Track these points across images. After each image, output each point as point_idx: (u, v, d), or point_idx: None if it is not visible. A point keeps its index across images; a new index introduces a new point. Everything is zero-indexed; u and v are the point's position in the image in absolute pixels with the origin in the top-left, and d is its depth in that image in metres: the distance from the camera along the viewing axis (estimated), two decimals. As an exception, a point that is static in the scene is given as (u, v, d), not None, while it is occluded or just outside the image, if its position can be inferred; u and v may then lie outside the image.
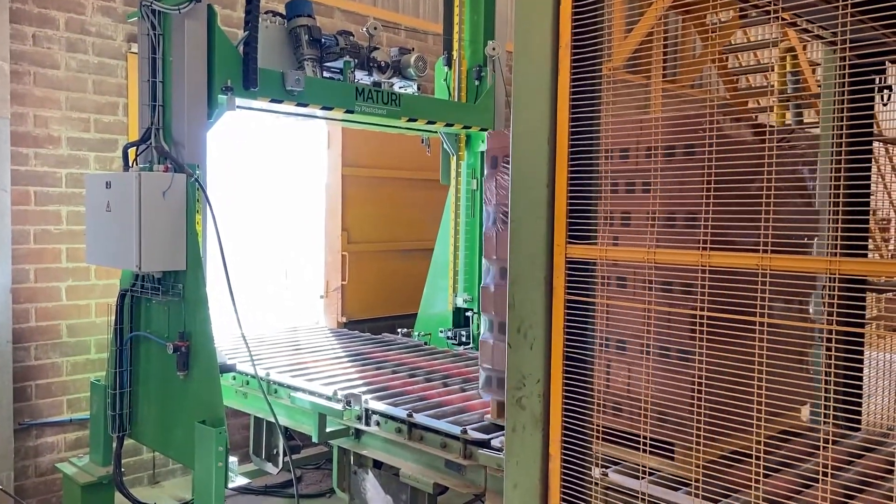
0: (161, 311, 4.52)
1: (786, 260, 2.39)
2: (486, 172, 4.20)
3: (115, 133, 5.82)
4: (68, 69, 5.58)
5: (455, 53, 6.22)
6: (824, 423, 2.87)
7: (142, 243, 4.17)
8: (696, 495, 2.60)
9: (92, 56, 5.69)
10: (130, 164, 4.55)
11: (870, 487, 2.87)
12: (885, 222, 7.49)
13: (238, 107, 4.63)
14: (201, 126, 4.50)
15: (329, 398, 4.46)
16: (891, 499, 2.56)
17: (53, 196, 5.53)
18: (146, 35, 4.44)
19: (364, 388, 4.70)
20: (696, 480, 2.58)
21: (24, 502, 5.28)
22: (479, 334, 4.44)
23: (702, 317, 2.56)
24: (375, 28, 5.62)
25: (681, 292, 2.69)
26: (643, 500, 2.68)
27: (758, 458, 2.51)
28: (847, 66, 2.57)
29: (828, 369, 2.41)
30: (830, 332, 2.35)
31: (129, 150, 4.57)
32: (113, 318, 4.71)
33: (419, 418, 4.02)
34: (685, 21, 3.32)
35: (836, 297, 2.31)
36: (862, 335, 3.76)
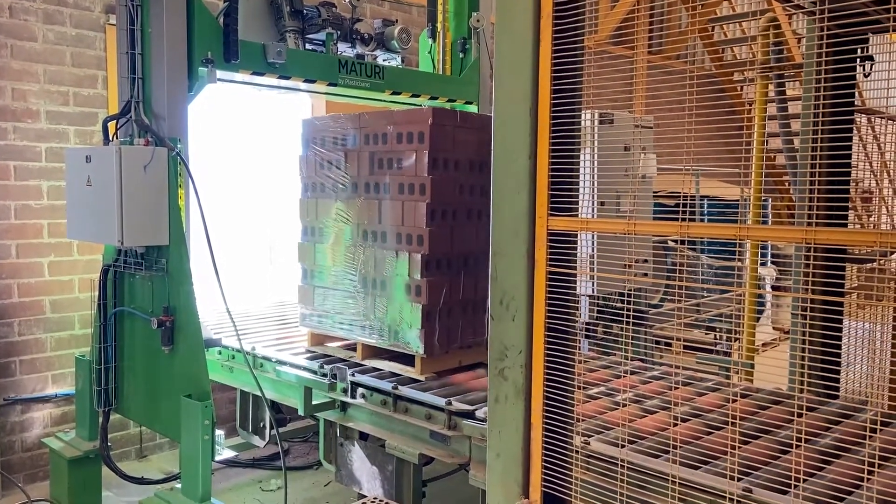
0: (145, 286, 4.51)
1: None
2: (301, 152, 4.91)
3: (95, 106, 5.75)
4: (46, 41, 5.49)
5: (439, 25, 6.16)
6: (801, 390, 2.93)
7: (123, 218, 4.13)
8: (675, 462, 2.64)
9: (70, 28, 5.60)
10: (111, 138, 4.50)
11: (845, 453, 2.93)
12: (867, 193, 7.55)
13: (219, 79, 4.56)
14: (182, 99, 4.44)
15: (315, 372, 4.48)
16: (866, 464, 2.61)
17: (34, 171, 5.47)
18: (124, 6, 4.36)
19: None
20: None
21: (10, 477, 5.29)
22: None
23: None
24: (358, -1, 5.55)
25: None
26: (623, 467, 2.72)
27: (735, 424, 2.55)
28: (828, 37, 2.57)
29: (805, 338, 2.45)
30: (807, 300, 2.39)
31: (109, 124, 4.51)
32: (96, 293, 4.69)
33: (404, 391, 4.05)
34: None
35: (812, 266, 2.33)
36: (841, 304, 3.82)
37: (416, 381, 4.25)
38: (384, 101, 5.84)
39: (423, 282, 4.22)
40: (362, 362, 4.59)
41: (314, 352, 4.93)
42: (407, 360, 4.42)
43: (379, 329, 4.47)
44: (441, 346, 4.32)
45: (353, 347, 4.75)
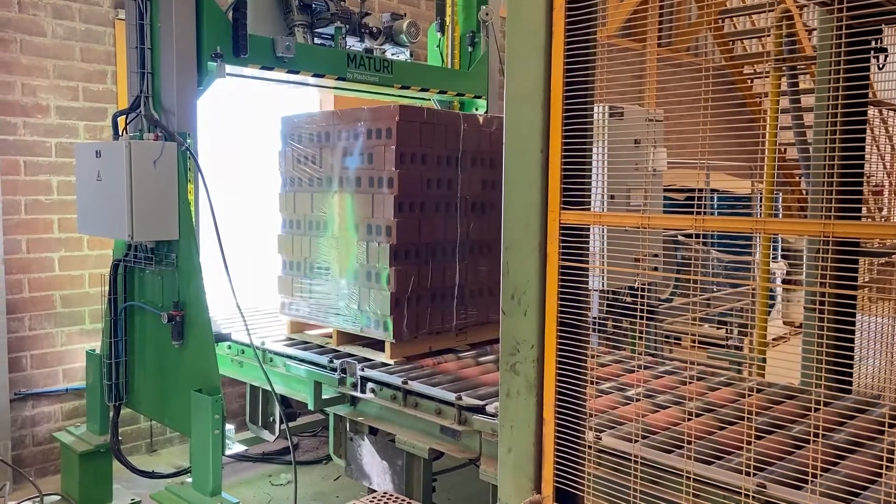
0: (155, 280, 4.51)
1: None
2: (280, 148, 5.10)
3: (105, 102, 5.75)
4: (55, 37, 5.49)
5: (448, 19, 6.14)
6: (815, 385, 2.90)
7: (133, 213, 4.14)
8: (688, 457, 2.63)
9: (79, 23, 5.60)
10: (120, 133, 4.51)
11: (860, 449, 2.91)
12: (879, 187, 7.50)
13: (228, 74, 4.57)
14: (191, 94, 4.45)
15: (324, 366, 4.48)
16: (881, 459, 2.59)
17: (44, 166, 5.48)
18: (133, 1, 4.37)
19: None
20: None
21: (22, 471, 5.31)
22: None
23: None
24: (367, -7, 5.53)
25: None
26: (636, 463, 2.70)
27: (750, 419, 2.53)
28: (842, 28, 2.54)
29: (819, 332, 2.43)
30: (823, 294, 2.36)
31: (119, 119, 4.52)
32: (107, 288, 4.70)
33: (414, 385, 4.04)
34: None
35: (829, 259, 2.31)
36: (854, 298, 3.79)
37: (386, 365, 4.44)
38: (393, 95, 5.82)
39: (391, 271, 4.37)
40: (337, 348, 4.77)
41: (294, 339, 5.11)
42: (379, 346, 4.59)
43: (352, 317, 4.64)
44: (410, 332, 4.50)
45: (330, 335, 4.91)
